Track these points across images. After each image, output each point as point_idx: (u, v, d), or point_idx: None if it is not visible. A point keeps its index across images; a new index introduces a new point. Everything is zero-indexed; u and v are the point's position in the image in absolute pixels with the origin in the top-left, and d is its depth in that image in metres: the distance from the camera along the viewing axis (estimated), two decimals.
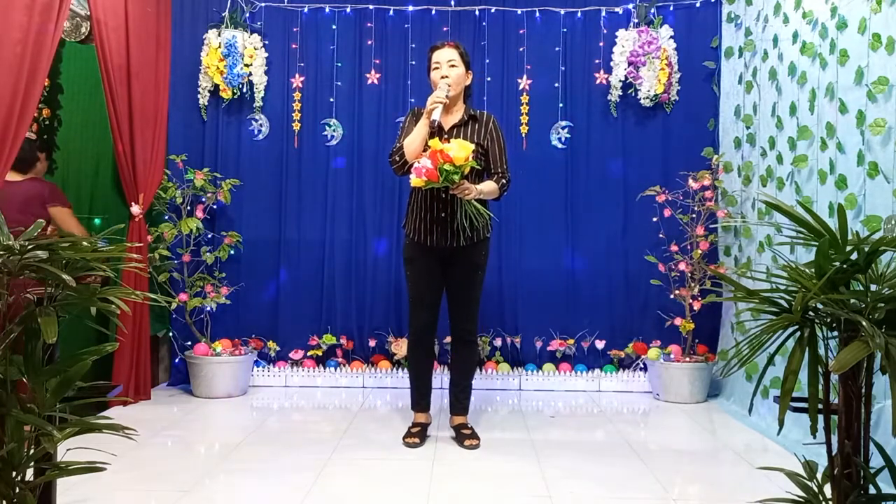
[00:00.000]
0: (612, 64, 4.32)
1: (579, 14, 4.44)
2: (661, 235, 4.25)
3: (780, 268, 1.54)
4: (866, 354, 1.31)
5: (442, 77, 3.03)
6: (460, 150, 2.78)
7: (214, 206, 4.32)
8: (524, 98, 4.44)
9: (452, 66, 3.06)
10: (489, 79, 4.46)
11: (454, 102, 3.10)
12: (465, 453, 3.03)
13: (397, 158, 3.07)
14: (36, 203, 3.42)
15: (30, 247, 1.52)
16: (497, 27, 4.47)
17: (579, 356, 4.41)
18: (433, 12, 4.48)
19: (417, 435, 3.15)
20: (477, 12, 4.47)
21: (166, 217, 4.15)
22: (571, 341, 4.40)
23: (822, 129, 3.15)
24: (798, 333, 1.45)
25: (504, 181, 3.11)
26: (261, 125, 4.44)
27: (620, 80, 4.31)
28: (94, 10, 3.51)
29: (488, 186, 3.03)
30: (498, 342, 4.42)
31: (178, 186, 4.16)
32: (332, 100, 4.47)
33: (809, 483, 1.56)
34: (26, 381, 1.54)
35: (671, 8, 4.38)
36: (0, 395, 1.50)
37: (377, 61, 4.47)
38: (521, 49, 4.45)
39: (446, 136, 3.04)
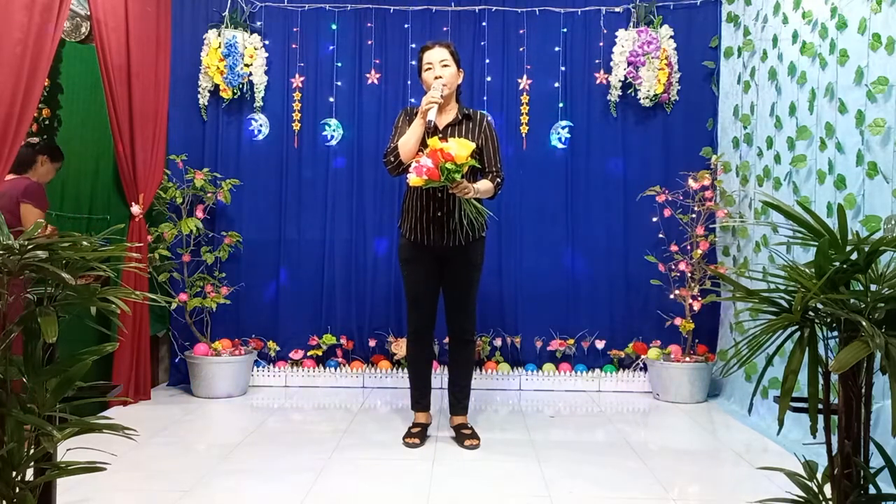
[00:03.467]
0: (611, 64, 4.32)
1: (579, 14, 4.44)
2: (661, 235, 4.26)
3: (780, 268, 1.54)
4: (866, 354, 1.31)
5: (436, 77, 3.03)
6: (461, 149, 2.78)
7: (214, 206, 4.32)
8: (524, 98, 4.44)
9: (445, 65, 3.06)
10: (489, 79, 4.46)
11: (447, 102, 3.10)
12: (465, 453, 3.03)
13: (392, 159, 3.07)
14: (10, 198, 3.34)
15: (30, 247, 1.52)
16: (497, 27, 4.47)
17: (579, 356, 4.41)
18: (433, 12, 4.48)
19: (417, 435, 3.15)
20: (477, 12, 4.47)
21: (166, 217, 4.15)
22: (571, 341, 4.40)
23: (821, 128, 3.15)
24: (798, 333, 1.45)
25: (499, 180, 3.11)
26: (261, 125, 4.44)
27: (620, 80, 4.31)
28: (94, 10, 3.51)
29: (484, 185, 3.03)
30: (498, 342, 4.42)
31: (178, 186, 4.17)
32: (331, 100, 4.47)
33: (809, 483, 1.56)
34: (25, 380, 1.54)
35: (671, 8, 4.38)
36: (0, 395, 1.50)
37: (377, 61, 4.47)
38: (521, 49, 4.45)
39: (441, 136, 3.03)
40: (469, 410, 3.31)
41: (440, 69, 3.05)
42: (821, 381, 1.46)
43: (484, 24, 4.47)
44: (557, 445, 3.18)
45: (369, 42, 4.47)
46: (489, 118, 3.21)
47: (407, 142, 3.02)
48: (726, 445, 3.22)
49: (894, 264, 1.50)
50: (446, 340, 3.33)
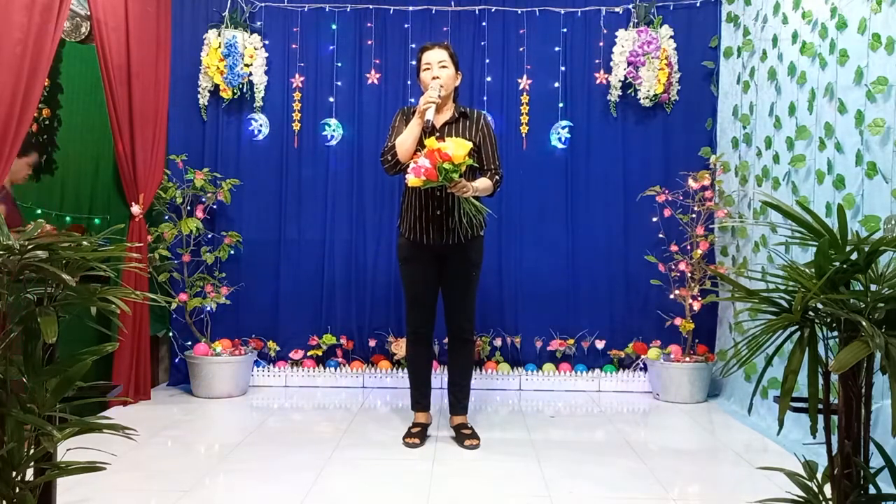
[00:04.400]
0: (611, 64, 4.32)
1: (579, 14, 4.44)
2: (661, 235, 4.26)
3: (780, 268, 1.54)
4: (866, 354, 1.31)
5: (433, 78, 3.04)
6: (458, 149, 2.79)
7: (214, 206, 4.32)
8: (524, 98, 4.44)
9: (443, 66, 3.07)
10: (489, 79, 4.46)
11: (444, 102, 3.11)
12: (465, 453, 3.03)
13: (389, 158, 3.07)
14: None
15: (30, 247, 1.52)
16: (497, 27, 4.47)
17: (579, 356, 4.41)
18: (433, 12, 4.48)
19: (417, 435, 3.15)
20: (477, 12, 4.47)
21: (166, 217, 4.15)
22: (571, 341, 4.40)
23: (820, 128, 3.15)
24: (798, 333, 1.45)
25: (497, 177, 3.12)
26: (261, 125, 4.44)
27: (620, 80, 4.31)
28: (94, 10, 3.51)
29: (483, 183, 3.04)
30: (498, 342, 4.42)
31: (178, 186, 4.17)
32: (332, 100, 4.47)
33: (809, 483, 1.56)
34: (25, 380, 1.54)
35: (671, 8, 4.38)
36: (0, 395, 1.50)
37: (377, 61, 4.47)
38: (521, 49, 4.45)
39: (438, 135, 3.04)
40: (469, 410, 3.31)
41: (438, 70, 3.06)
42: (821, 381, 1.46)
43: (484, 24, 4.47)
44: (557, 445, 3.18)
45: (369, 42, 4.47)
46: (487, 116, 3.21)
47: (404, 141, 3.02)
48: (726, 445, 3.22)
49: (894, 264, 1.50)
50: (445, 340, 3.33)
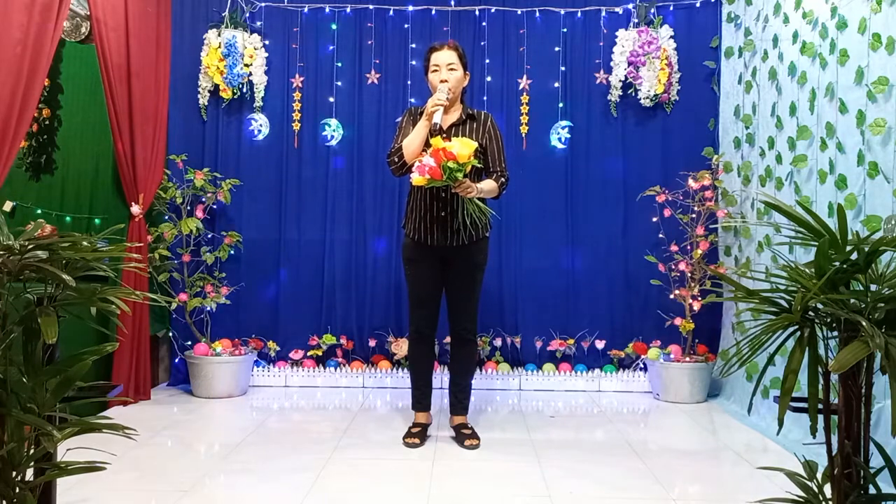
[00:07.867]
0: (612, 64, 4.32)
1: (579, 14, 4.44)
2: (661, 235, 4.26)
3: (780, 268, 1.54)
4: (866, 354, 1.31)
5: (441, 81, 3.03)
6: (463, 148, 2.79)
7: (214, 206, 4.32)
8: (524, 98, 4.44)
9: (452, 69, 3.06)
10: (489, 79, 4.46)
11: (452, 103, 3.10)
12: (465, 453, 3.03)
13: (396, 159, 3.07)
14: None
15: (30, 247, 1.52)
16: (497, 27, 4.47)
17: (579, 356, 4.41)
18: (433, 12, 4.48)
19: (417, 435, 3.15)
20: (477, 12, 4.47)
21: (166, 217, 4.15)
22: (571, 341, 4.40)
23: (821, 128, 3.15)
24: (798, 333, 1.45)
25: (503, 179, 3.11)
26: (261, 125, 4.44)
27: (620, 80, 4.31)
28: (94, 10, 3.51)
29: (488, 185, 3.03)
30: (498, 342, 4.42)
31: (178, 186, 4.17)
32: (332, 100, 4.47)
33: (809, 483, 1.56)
34: (25, 380, 1.54)
35: (671, 8, 4.38)
36: (0, 395, 1.50)
37: (377, 61, 4.47)
38: (521, 49, 4.45)
39: (445, 136, 3.04)
40: (469, 410, 3.32)
41: (446, 72, 3.05)
42: (821, 381, 1.46)
43: (484, 24, 4.47)
44: (557, 445, 3.18)
45: (369, 42, 4.47)
46: (493, 118, 3.21)
47: (411, 143, 3.02)
48: (726, 445, 3.22)
49: (894, 264, 1.49)
50: (447, 340, 3.33)
